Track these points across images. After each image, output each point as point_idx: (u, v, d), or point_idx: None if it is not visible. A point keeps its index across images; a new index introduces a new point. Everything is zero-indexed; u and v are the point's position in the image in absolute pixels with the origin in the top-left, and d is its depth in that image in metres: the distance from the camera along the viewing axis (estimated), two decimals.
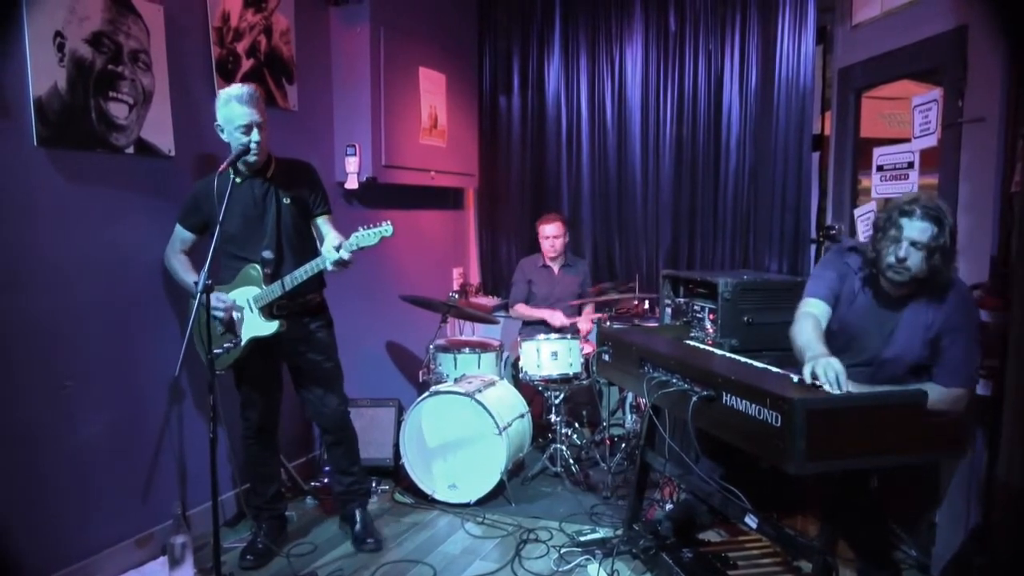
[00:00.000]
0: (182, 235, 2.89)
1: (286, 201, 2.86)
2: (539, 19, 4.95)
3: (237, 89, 2.70)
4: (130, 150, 2.84)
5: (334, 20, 3.96)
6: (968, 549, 2.49)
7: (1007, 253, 2.48)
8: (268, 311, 2.81)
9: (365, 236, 2.67)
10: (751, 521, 2.30)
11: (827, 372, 1.99)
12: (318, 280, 2.95)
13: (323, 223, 2.95)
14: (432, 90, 4.45)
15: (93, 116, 2.69)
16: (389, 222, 2.69)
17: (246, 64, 3.37)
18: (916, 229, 2.21)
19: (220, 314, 2.75)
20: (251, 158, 2.73)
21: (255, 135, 2.70)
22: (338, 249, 2.66)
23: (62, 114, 2.58)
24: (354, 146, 3.94)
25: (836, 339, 2.44)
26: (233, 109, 2.68)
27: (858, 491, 2.33)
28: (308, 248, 2.92)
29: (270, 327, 2.79)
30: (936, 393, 2.25)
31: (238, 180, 2.78)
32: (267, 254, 2.80)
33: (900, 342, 2.36)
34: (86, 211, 2.71)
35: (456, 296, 4.31)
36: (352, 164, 3.94)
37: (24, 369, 2.53)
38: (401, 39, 4.11)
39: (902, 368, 2.39)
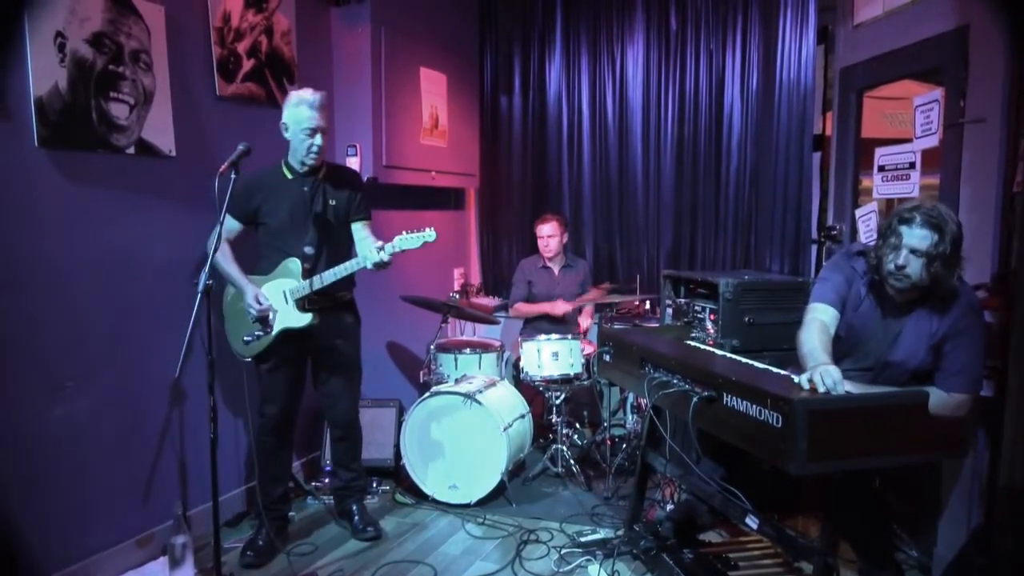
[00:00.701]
0: (229, 224, 2.95)
1: (332, 203, 3.00)
2: (540, 19, 4.95)
3: (309, 94, 2.87)
4: (131, 150, 2.84)
5: (335, 20, 3.96)
6: (970, 550, 2.48)
7: (1009, 253, 2.48)
8: (304, 304, 2.91)
9: (408, 240, 2.78)
10: (752, 522, 2.30)
11: (824, 379, 1.96)
12: (349, 280, 3.05)
13: (360, 227, 3.07)
14: (433, 90, 4.45)
15: (94, 116, 2.69)
16: (432, 228, 2.79)
17: (247, 64, 3.37)
18: (916, 237, 2.19)
19: (255, 312, 2.87)
20: (310, 160, 2.90)
21: (318, 139, 2.87)
22: (380, 251, 2.76)
23: (63, 114, 2.58)
24: (355, 146, 3.94)
25: (841, 343, 2.42)
26: (302, 112, 2.84)
27: (859, 492, 2.33)
28: (344, 249, 3.06)
29: (303, 319, 2.90)
30: (937, 398, 2.25)
31: (289, 176, 2.96)
32: (308, 250, 2.92)
33: (904, 348, 2.35)
34: (87, 211, 2.71)
35: (457, 296, 4.31)
36: (353, 164, 3.94)
37: (25, 369, 2.53)
38: (402, 39, 4.11)
39: (905, 374, 2.38)
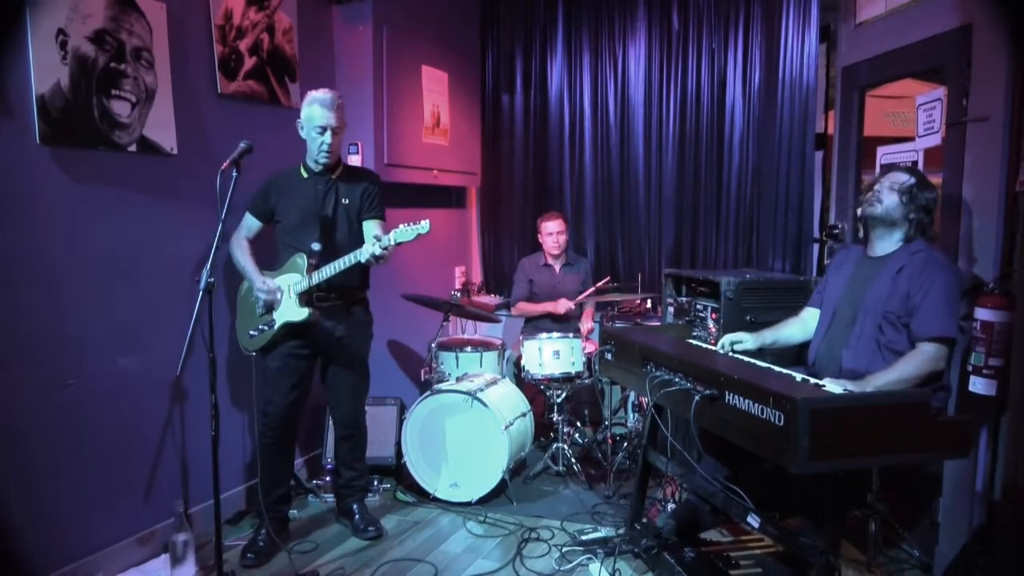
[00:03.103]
0: (249, 222, 3.08)
1: (345, 201, 3.05)
2: (542, 17, 4.95)
3: (322, 93, 2.93)
4: (132, 148, 2.84)
5: (337, 18, 3.96)
6: (971, 549, 2.48)
7: (1012, 252, 2.47)
8: (305, 299, 2.94)
9: (403, 232, 2.77)
10: (753, 521, 2.30)
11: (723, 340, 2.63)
12: (362, 278, 3.13)
13: (372, 226, 3.08)
14: (435, 89, 4.45)
15: (95, 114, 2.69)
16: (427, 221, 2.77)
17: (249, 62, 3.37)
18: (895, 176, 2.55)
19: (263, 296, 2.92)
20: (322, 158, 2.96)
21: (328, 136, 2.92)
22: (376, 243, 2.77)
23: (64, 112, 2.58)
24: (356, 144, 3.94)
25: (831, 305, 2.70)
26: (315, 110, 2.91)
27: (859, 490, 2.33)
28: (355, 247, 3.00)
29: (301, 313, 2.92)
30: (915, 354, 2.35)
31: (305, 175, 3.03)
32: (315, 246, 2.93)
33: (875, 288, 2.54)
34: (88, 209, 2.71)
35: (458, 295, 4.32)
36: (354, 163, 3.94)
37: (26, 367, 2.53)
38: (404, 37, 4.11)
39: (880, 318, 2.48)
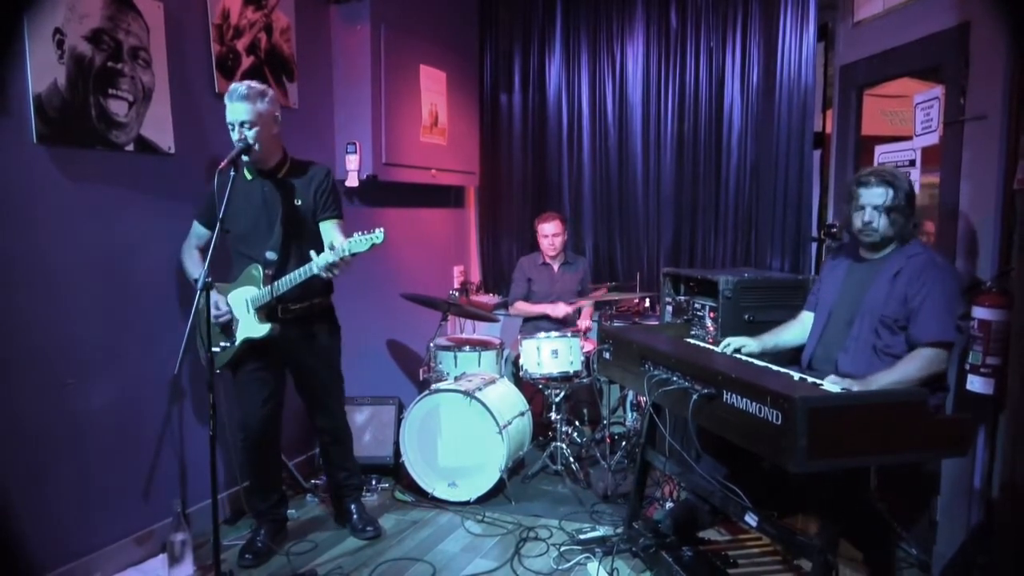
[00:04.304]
0: (197, 231, 2.92)
1: (297, 203, 2.84)
2: (540, 16, 4.94)
3: (234, 85, 2.71)
4: (130, 148, 2.84)
5: (335, 18, 3.96)
6: (969, 548, 2.48)
7: (1009, 251, 2.47)
8: (265, 313, 2.80)
9: (357, 243, 2.57)
10: (751, 519, 2.30)
11: (726, 344, 2.66)
12: (324, 285, 2.91)
13: (330, 227, 2.88)
14: (433, 88, 4.45)
15: (93, 113, 2.68)
16: (382, 229, 2.58)
17: (246, 62, 3.37)
18: (874, 195, 2.49)
19: (213, 319, 2.74)
20: (245, 156, 2.69)
21: (239, 133, 2.67)
22: (330, 251, 2.59)
23: (62, 111, 2.57)
24: (355, 144, 3.94)
25: (826, 305, 2.70)
26: (227, 107, 2.70)
27: (858, 489, 2.33)
28: (316, 249, 2.78)
29: (262, 330, 2.79)
30: (916, 356, 2.35)
31: (249, 177, 2.82)
32: (270, 255, 2.78)
33: (872, 292, 2.52)
34: (86, 209, 2.71)
35: (457, 294, 4.31)
36: (352, 162, 3.94)
37: (25, 367, 2.52)
38: (402, 37, 4.11)
39: (877, 323, 2.47)
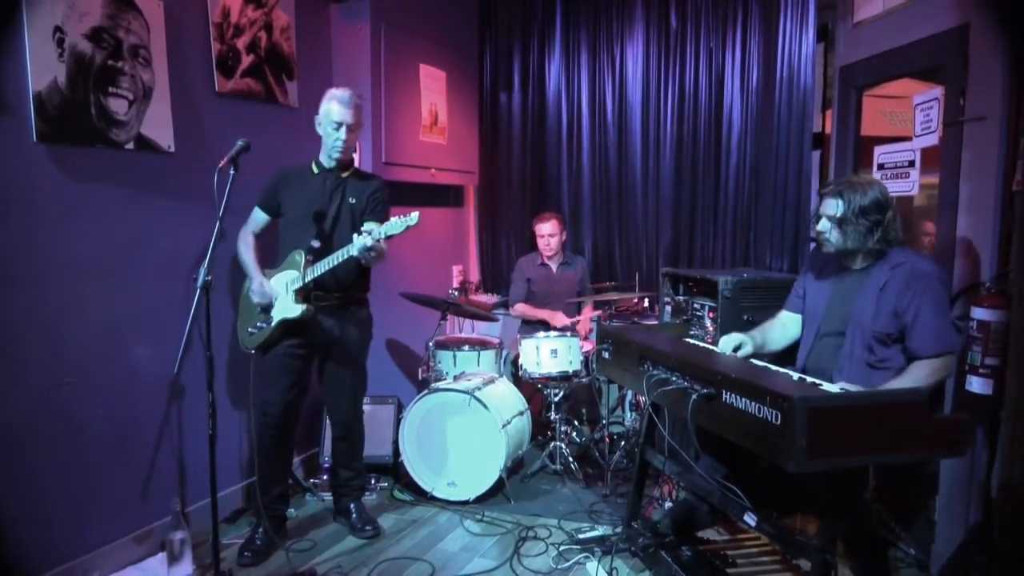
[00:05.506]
0: (256, 216, 3.11)
1: (351, 200, 3.05)
2: (540, 16, 4.94)
3: (341, 91, 2.97)
4: (130, 146, 2.84)
5: (335, 17, 3.96)
6: (967, 547, 2.49)
7: (1008, 252, 2.48)
8: (302, 296, 2.93)
9: (393, 225, 2.74)
10: (750, 519, 2.30)
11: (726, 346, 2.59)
12: (361, 280, 3.12)
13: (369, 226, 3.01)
14: (433, 87, 4.45)
15: (93, 112, 2.68)
16: (417, 212, 2.73)
17: (246, 60, 3.37)
18: (827, 206, 2.52)
19: (255, 297, 2.95)
20: (335, 153, 2.98)
21: (342, 133, 2.95)
22: (368, 235, 2.73)
23: (62, 109, 2.57)
24: None
25: (815, 312, 2.69)
26: (332, 106, 2.94)
27: (856, 489, 2.33)
28: None
29: (297, 310, 2.92)
30: (916, 368, 2.34)
31: (315, 172, 3.05)
32: (314, 243, 2.94)
33: (859, 304, 2.50)
34: (85, 207, 2.71)
35: (456, 294, 4.31)
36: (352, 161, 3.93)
37: (23, 365, 2.52)
38: (402, 36, 4.11)
39: (869, 336, 2.44)
